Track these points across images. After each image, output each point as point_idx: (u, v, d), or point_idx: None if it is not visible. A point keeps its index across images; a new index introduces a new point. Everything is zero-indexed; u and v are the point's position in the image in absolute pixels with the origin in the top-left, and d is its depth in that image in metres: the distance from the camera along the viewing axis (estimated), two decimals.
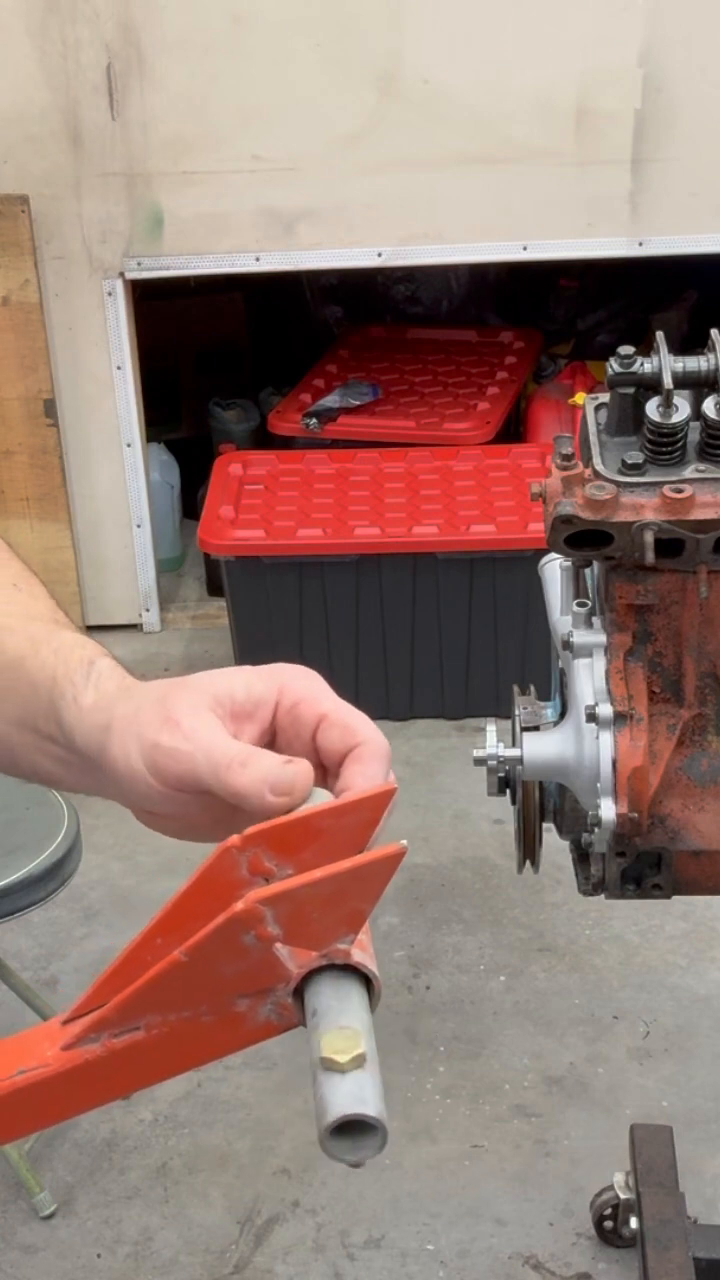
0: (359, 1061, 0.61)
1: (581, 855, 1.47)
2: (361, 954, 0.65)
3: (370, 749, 0.72)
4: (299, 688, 0.73)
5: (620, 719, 1.30)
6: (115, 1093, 0.68)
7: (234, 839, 0.63)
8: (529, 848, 1.47)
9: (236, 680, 0.73)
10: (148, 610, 3.82)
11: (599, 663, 1.33)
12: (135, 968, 0.64)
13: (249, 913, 0.60)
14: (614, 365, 1.29)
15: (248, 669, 0.74)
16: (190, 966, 0.62)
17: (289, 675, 0.73)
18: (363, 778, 0.71)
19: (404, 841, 0.63)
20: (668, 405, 1.25)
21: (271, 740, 0.73)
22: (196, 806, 0.72)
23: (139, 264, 3.44)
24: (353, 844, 0.65)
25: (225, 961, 0.62)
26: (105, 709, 0.74)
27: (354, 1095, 0.61)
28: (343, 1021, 0.62)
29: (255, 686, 0.72)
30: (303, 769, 0.69)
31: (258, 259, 3.44)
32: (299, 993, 0.64)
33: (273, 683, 0.73)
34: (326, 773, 0.72)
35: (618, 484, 1.25)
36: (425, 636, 3.37)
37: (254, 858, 0.64)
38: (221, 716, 0.71)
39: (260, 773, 0.69)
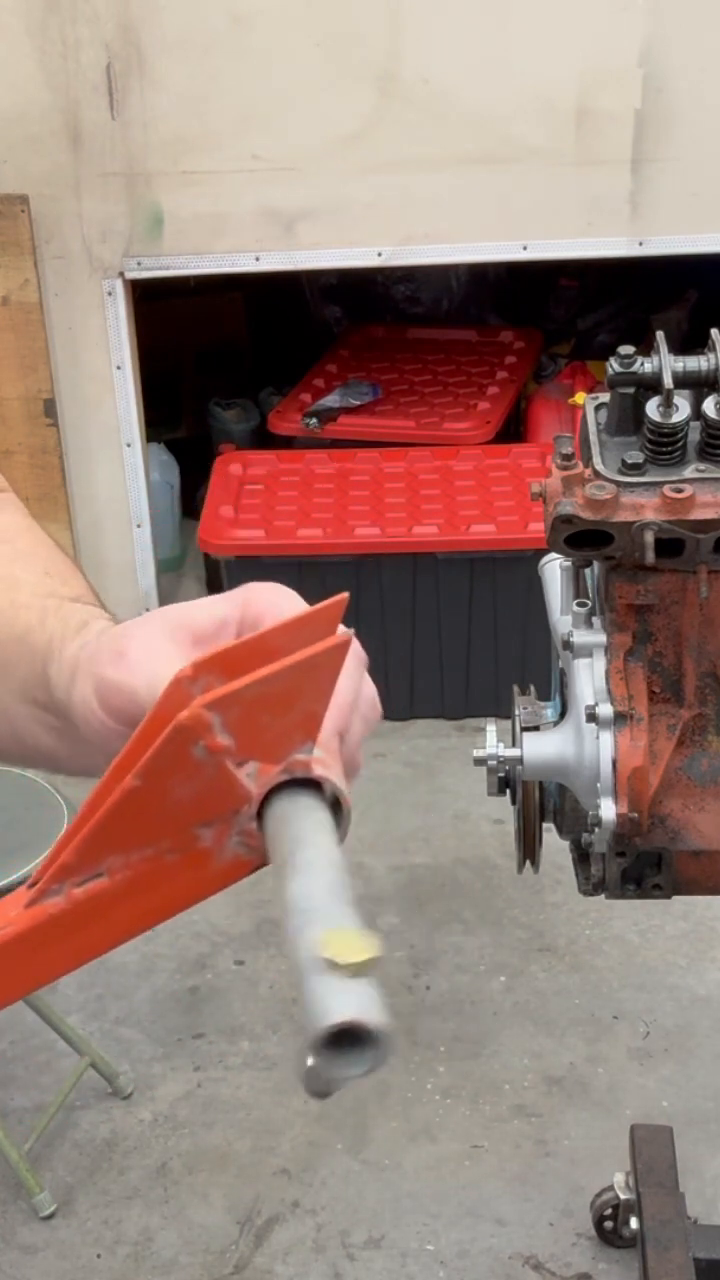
0: (366, 968, 0.54)
1: (581, 855, 1.47)
2: (324, 769, 0.60)
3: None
4: (262, 601, 0.69)
5: (620, 719, 1.30)
6: (88, 951, 0.63)
7: (185, 668, 0.59)
8: (529, 848, 1.47)
9: (198, 605, 0.70)
10: (148, 610, 3.81)
11: (599, 663, 1.33)
12: (93, 812, 0.60)
13: (194, 719, 0.56)
14: (614, 365, 1.29)
15: (216, 595, 0.71)
16: (143, 791, 0.57)
17: (254, 591, 0.70)
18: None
19: (350, 630, 0.60)
20: (668, 405, 1.25)
21: None
22: None
23: (139, 264, 3.44)
24: None
25: (179, 782, 0.58)
26: (76, 655, 0.72)
27: (358, 1004, 0.53)
28: (336, 912, 0.56)
29: (217, 608, 0.70)
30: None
31: (258, 259, 3.44)
32: (263, 817, 0.60)
33: (234, 601, 0.70)
34: None
35: (618, 484, 1.25)
36: (425, 636, 3.36)
37: (207, 687, 0.59)
38: (181, 642, 0.69)
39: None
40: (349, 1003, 0.53)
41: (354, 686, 0.68)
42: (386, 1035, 0.53)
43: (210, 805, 0.59)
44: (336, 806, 0.61)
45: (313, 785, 0.60)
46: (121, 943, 0.63)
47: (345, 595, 0.63)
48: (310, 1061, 0.54)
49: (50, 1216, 2.33)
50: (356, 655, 0.70)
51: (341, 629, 0.64)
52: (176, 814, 0.59)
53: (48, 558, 0.88)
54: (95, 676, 0.70)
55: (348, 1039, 0.54)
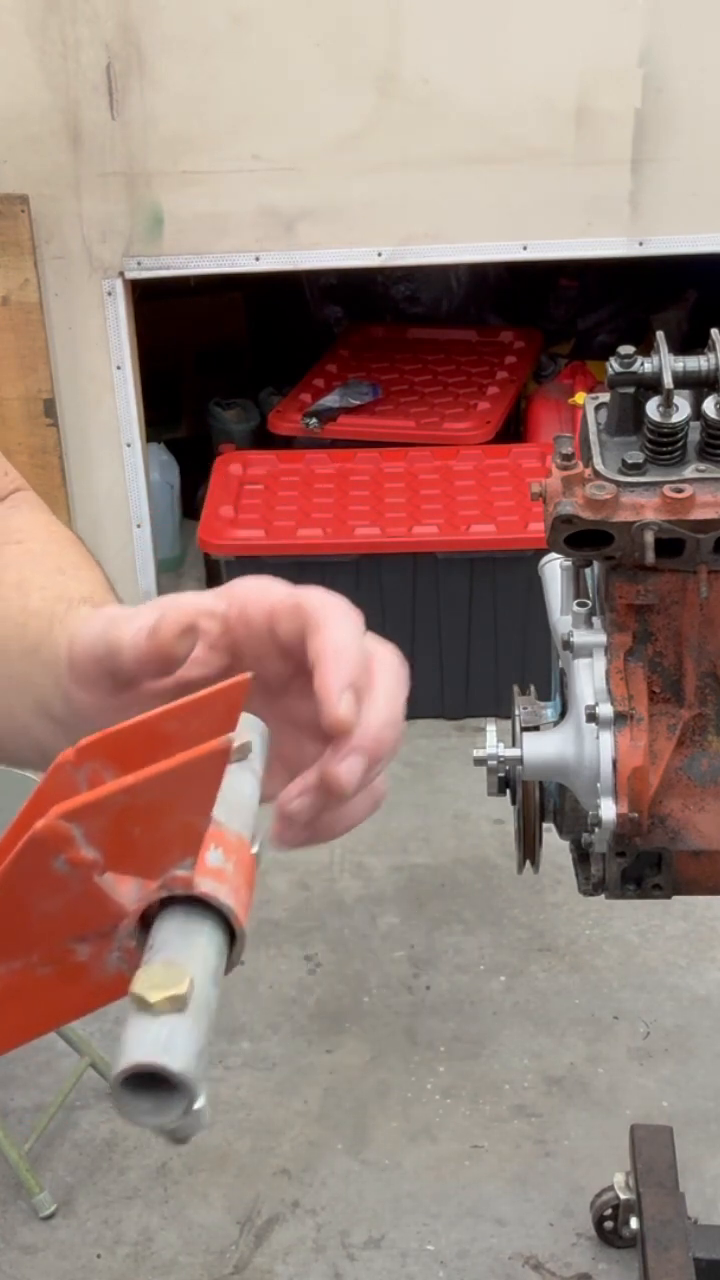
0: (176, 1004, 0.51)
1: (581, 855, 1.47)
2: (215, 884, 0.55)
3: (322, 614, 0.65)
4: (245, 588, 0.67)
5: (620, 719, 1.30)
6: None
7: (67, 752, 0.55)
8: (529, 848, 1.47)
9: (188, 597, 0.68)
10: None
11: (599, 663, 1.32)
12: None
13: (51, 830, 0.51)
14: (614, 365, 1.29)
15: (209, 590, 0.69)
16: (3, 902, 0.53)
17: (239, 584, 0.68)
18: (328, 644, 0.64)
19: (230, 737, 0.54)
20: (668, 405, 1.25)
21: (235, 662, 0.68)
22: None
23: (139, 264, 3.44)
24: None
25: (41, 896, 0.53)
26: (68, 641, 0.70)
27: (158, 1041, 0.50)
28: (170, 956, 0.53)
29: (204, 600, 0.68)
30: (172, 612, 0.65)
31: (258, 259, 3.44)
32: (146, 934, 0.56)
33: (221, 595, 0.68)
34: (308, 675, 0.65)
35: (618, 484, 1.25)
36: (425, 636, 3.36)
37: (93, 773, 0.55)
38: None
39: (140, 620, 0.65)
40: (145, 1045, 0.50)
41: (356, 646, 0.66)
42: (187, 1081, 0.50)
43: (82, 920, 0.54)
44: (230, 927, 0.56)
45: (201, 903, 0.55)
46: (2, 1051, 0.59)
47: (247, 677, 0.58)
48: (120, 1104, 0.51)
49: (50, 1216, 2.33)
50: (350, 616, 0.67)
51: (244, 722, 0.60)
52: (45, 927, 0.54)
53: (60, 554, 0.87)
54: (71, 653, 0.68)
55: (157, 1084, 0.50)
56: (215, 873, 0.56)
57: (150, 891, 0.54)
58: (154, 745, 0.54)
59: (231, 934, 0.56)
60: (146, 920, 0.55)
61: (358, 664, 0.65)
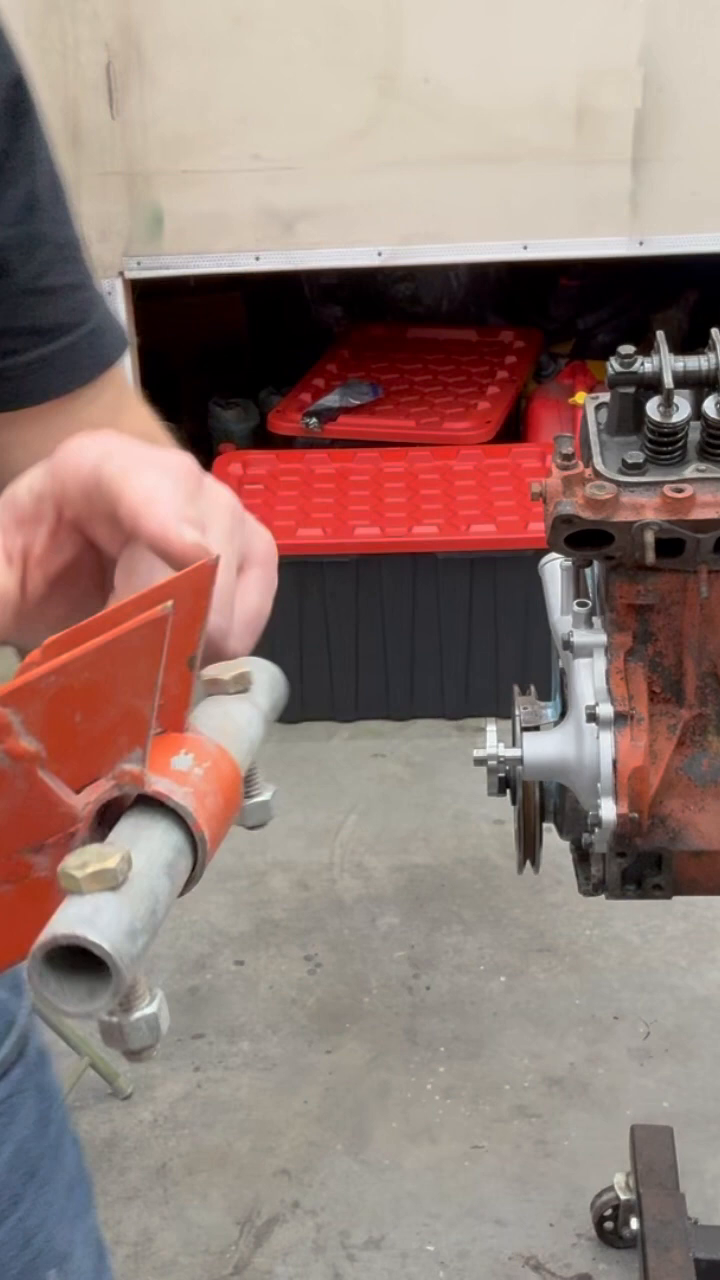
0: (105, 880, 0.46)
1: (582, 855, 1.47)
2: (174, 784, 0.51)
3: (121, 478, 0.58)
4: (67, 463, 0.60)
5: (621, 719, 1.30)
6: None
7: (34, 652, 0.51)
8: (529, 848, 1.47)
9: (21, 481, 0.62)
10: None
11: (599, 663, 1.32)
12: None
13: None
14: (614, 365, 1.28)
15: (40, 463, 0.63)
16: None
17: (61, 452, 0.61)
18: (137, 498, 0.57)
19: (167, 604, 0.50)
20: (668, 405, 1.25)
21: (88, 535, 0.62)
22: None
23: (138, 263, 3.44)
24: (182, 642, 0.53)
25: None
26: None
27: (80, 916, 0.45)
28: (110, 841, 0.48)
29: (35, 480, 0.61)
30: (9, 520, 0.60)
31: (257, 258, 3.44)
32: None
33: (45, 470, 0.61)
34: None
35: (618, 484, 1.25)
36: (425, 636, 3.36)
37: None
38: (5, 526, 0.61)
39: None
40: (65, 919, 0.45)
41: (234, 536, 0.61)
42: (113, 957, 0.44)
43: (34, 824, 0.50)
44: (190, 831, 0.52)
45: (161, 806, 0.51)
46: None
47: (214, 558, 0.55)
48: (38, 986, 0.46)
49: None
50: (228, 508, 0.62)
51: (254, 663, 0.57)
52: None
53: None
54: None
55: (87, 965, 0.45)
56: (178, 775, 0.52)
57: (103, 791, 0.51)
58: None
59: (194, 843, 0.52)
60: (105, 827, 0.51)
61: (177, 500, 0.59)
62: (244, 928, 2.88)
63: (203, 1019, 2.68)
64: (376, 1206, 2.33)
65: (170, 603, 0.49)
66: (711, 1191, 2.31)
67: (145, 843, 0.49)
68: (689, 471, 1.26)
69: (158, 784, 0.51)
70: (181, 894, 0.51)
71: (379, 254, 3.43)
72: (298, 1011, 2.69)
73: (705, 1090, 2.50)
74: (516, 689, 1.48)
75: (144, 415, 1.01)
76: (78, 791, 0.50)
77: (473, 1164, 2.40)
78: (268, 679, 0.63)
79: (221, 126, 3.31)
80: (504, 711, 1.48)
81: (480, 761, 1.40)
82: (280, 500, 3.47)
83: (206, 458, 3.79)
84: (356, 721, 3.43)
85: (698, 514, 1.24)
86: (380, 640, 3.36)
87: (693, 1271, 1.90)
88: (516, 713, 1.43)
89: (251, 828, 0.57)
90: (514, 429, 4.10)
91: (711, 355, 1.28)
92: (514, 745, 1.38)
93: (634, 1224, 2.05)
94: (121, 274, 3.44)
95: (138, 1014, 0.47)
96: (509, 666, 3.29)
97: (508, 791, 1.43)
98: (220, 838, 0.53)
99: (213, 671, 0.60)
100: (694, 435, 1.29)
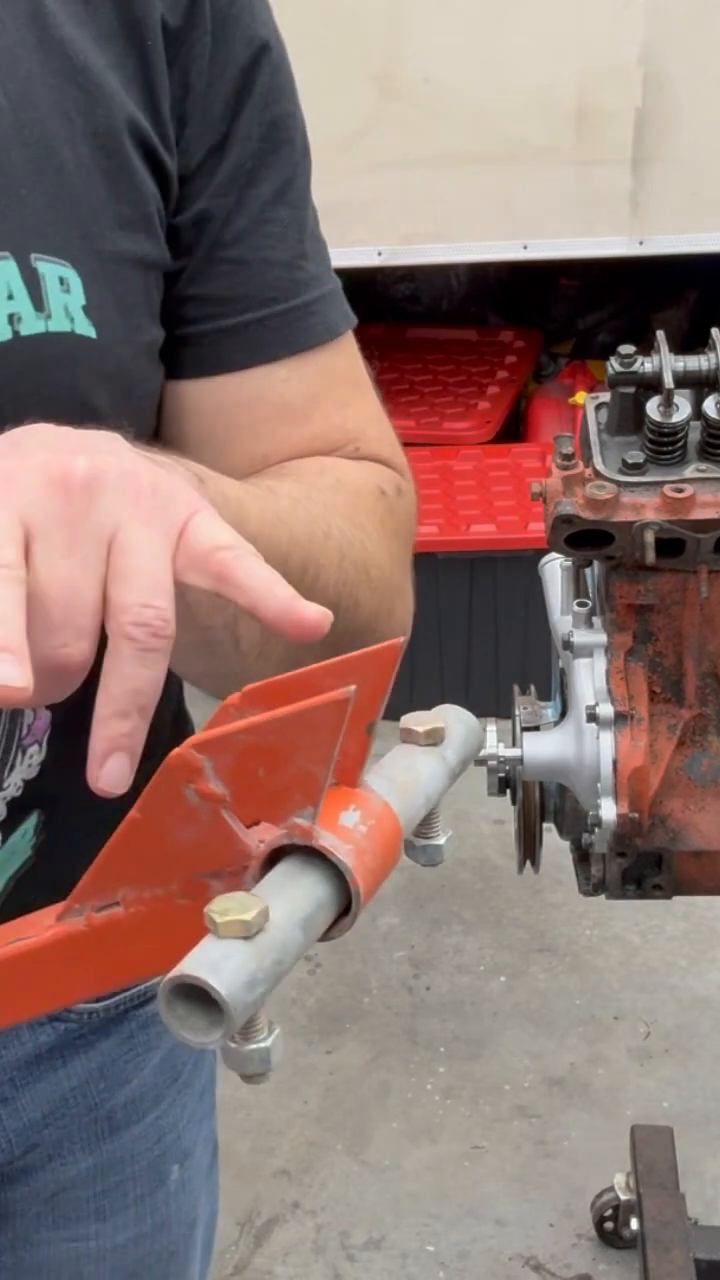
0: (241, 929, 0.52)
1: (582, 855, 1.46)
2: (337, 840, 0.56)
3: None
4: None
5: (621, 719, 1.30)
6: (107, 980, 0.63)
7: (233, 696, 0.57)
8: (529, 848, 1.47)
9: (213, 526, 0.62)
10: None
11: (599, 663, 1.32)
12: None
13: (181, 759, 0.54)
14: (614, 365, 1.28)
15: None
16: (144, 825, 0.56)
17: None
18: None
19: (351, 687, 0.55)
20: (668, 405, 1.25)
21: None
22: None
23: None
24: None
25: (177, 824, 0.56)
26: None
27: (209, 959, 0.50)
28: (260, 891, 0.54)
29: None
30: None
31: None
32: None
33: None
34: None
35: (618, 483, 1.25)
36: (425, 636, 3.36)
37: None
38: None
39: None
40: (196, 960, 0.51)
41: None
42: (224, 999, 0.50)
43: (214, 855, 0.58)
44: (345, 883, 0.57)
45: (319, 857, 0.57)
46: (142, 977, 0.62)
47: (399, 641, 0.61)
48: (164, 1011, 0.51)
49: None
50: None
51: (451, 713, 0.62)
52: (181, 857, 0.58)
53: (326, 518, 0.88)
54: None
55: (205, 1002, 0.51)
56: (343, 831, 0.57)
57: (274, 837, 0.56)
58: (309, 697, 0.56)
59: (347, 896, 0.57)
60: (272, 865, 0.57)
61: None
62: None
63: None
64: (376, 1207, 2.33)
65: (353, 687, 0.55)
66: (711, 1191, 2.31)
67: (290, 893, 0.55)
68: (689, 471, 1.26)
69: (323, 839, 0.56)
70: (326, 939, 0.57)
71: (379, 254, 3.43)
72: (298, 1011, 2.69)
73: (705, 1090, 2.50)
74: (516, 689, 1.48)
75: (357, 413, 1.01)
76: (252, 826, 0.57)
77: (473, 1164, 2.40)
78: (463, 732, 0.69)
79: None
80: (504, 711, 1.48)
81: (480, 761, 1.40)
82: None
83: None
84: None
85: (698, 514, 1.24)
86: None
87: (693, 1271, 1.90)
88: (516, 713, 1.43)
89: (424, 865, 0.64)
90: (514, 429, 4.10)
91: (711, 355, 1.28)
92: (514, 745, 1.38)
93: (634, 1224, 2.05)
94: None
95: (252, 1046, 0.52)
96: (509, 666, 3.28)
97: (508, 791, 1.43)
98: (374, 891, 0.59)
99: (409, 721, 0.67)
100: (694, 435, 1.28)
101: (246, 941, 0.52)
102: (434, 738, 0.66)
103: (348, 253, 3.41)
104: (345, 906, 0.58)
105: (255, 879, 0.57)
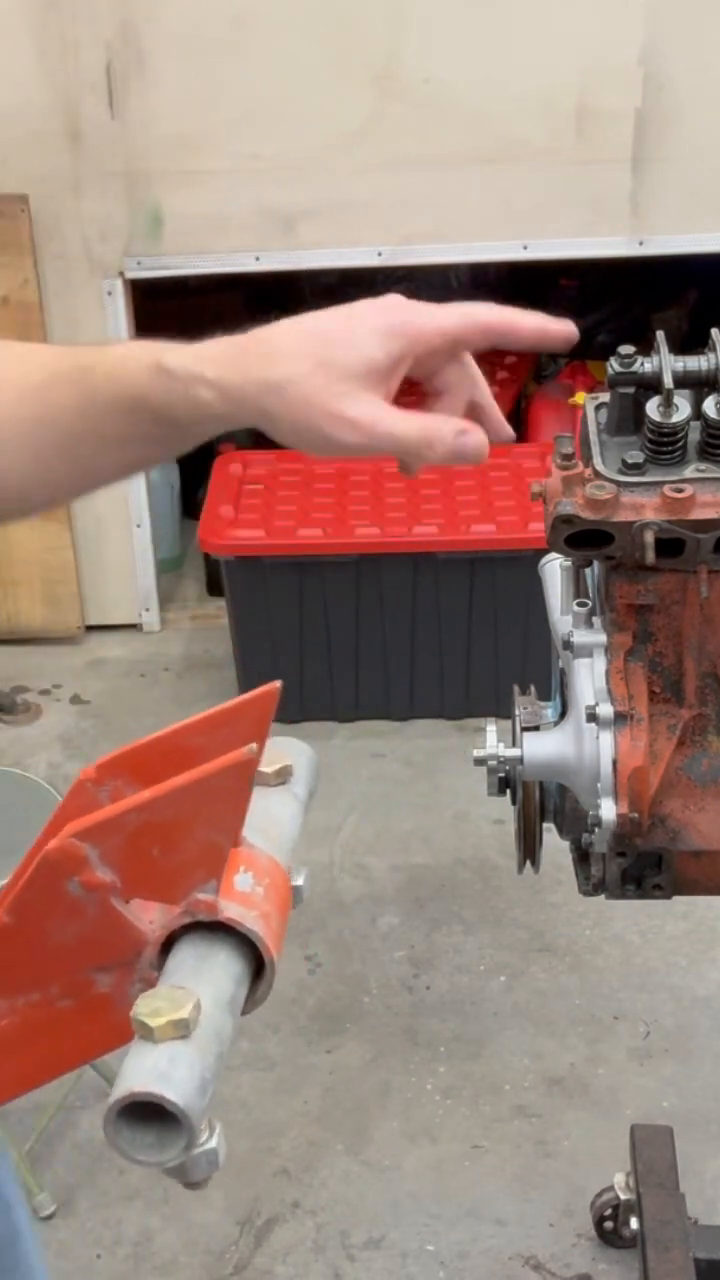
0: (179, 1029, 0.47)
1: (582, 855, 1.47)
2: (241, 909, 0.52)
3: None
4: (410, 333, 0.86)
5: (620, 719, 1.30)
6: None
7: (88, 769, 0.52)
8: (529, 848, 1.47)
9: (368, 349, 0.81)
10: (147, 610, 3.82)
11: (599, 663, 1.32)
12: None
13: (62, 851, 0.48)
14: (614, 365, 1.28)
15: (359, 322, 0.84)
16: (16, 930, 0.49)
17: (393, 318, 0.86)
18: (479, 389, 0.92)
19: (252, 746, 0.51)
20: (668, 405, 1.25)
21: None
22: None
23: (139, 263, 3.44)
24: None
25: (57, 922, 0.49)
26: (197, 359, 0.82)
27: (156, 1069, 0.46)
28: (180, 981, 0.49)
29: (391, 347, 0.84)
30: (477, 440, 0.86)
31: (258, 258, 3.44)
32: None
33: (394, 339, 0.84)
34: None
35: (618, 484, 1.25)
36: (425, 636, 3.36)
37: (115, 791, 0.52)
38: (375, 388, 0.81)
39: (444, 448, 0.84)
40: (141, 1074, 0.46)
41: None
42: (186, 1115, 0.46)
43: (103, 948, 0.51)
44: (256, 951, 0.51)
45: (225, 929, 0.52)
46: (24, 1092, 0.56)
47: (276, 685, 0.56)
48: (112, 1136, 0.47)
49: (50, 1217, 2.32)
50: None
51: (290, 746, 0.59)
52: (62, 956, 0.51)
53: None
54: (314, 431, 0.81)
55: (159, 1115, 0.46)
56: (243, 897, 0.53)
57: (173, 917, 0.52)
58: (179, 761, 0.52)
59: (260, 963, 0.53)
60: (169, 948, 0.52)
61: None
62: None
63: None
64: (376, 1206, 2.33)
65: (254, 745, 0.50)
66: (711, 1191, 2.31)
67: (209, 976, 0.50)
68: (689, 471, 1.26)
69: (229, 910, 0.52)
70: (244, 1014, 0.53)
71: (379, 254, 3.43)
72: (298, 1011, 2.69)
73: (705, 1090, 2.50)
74: (516, 689, 1.48)
75: None
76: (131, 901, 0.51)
77: (473, 1164, 2.40)
78: (305, 763, 0.65)
79: (221, 126, 3.31)
80: (504, 711, 1.48)
81: (480, 761, 1.40)
82: (280, 500, 3.47)
83: (207, 457, 3.80)
84: (356, 721, 3.43)
85: (698, 514, 1.24)
86: (380, 640, 3.36)
87: (693, 1271, 1.90)
88: (516, 713, 1.43)
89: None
90: (514, 429, 4.09)
91: (711, 355, 1.28)
92: (514, 745, 1.38)
93: (634, 1224, 2.05)
94: (121, 274, 3.44)
95: (198, 1150, 0.49)
96: (509, 666, 3.28)
97: (508, 791, 1.43)
98: (279, 950, 0.54)
99: None
100: (694, 435, 1.29)
101: (186, 1041, 0.47)
102: (283, 776, 0.62)
103: (348, 253, 3.42)
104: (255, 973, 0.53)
105: (153, 964, 0.51)
